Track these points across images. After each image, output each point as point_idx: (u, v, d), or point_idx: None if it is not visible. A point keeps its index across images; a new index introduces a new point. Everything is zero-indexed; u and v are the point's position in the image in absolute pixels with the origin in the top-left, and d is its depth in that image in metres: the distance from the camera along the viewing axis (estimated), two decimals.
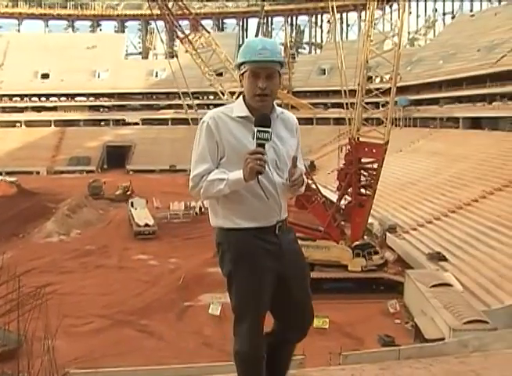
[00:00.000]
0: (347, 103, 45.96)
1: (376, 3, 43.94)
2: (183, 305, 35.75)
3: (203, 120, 3.26)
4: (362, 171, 43.64)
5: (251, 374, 3.45)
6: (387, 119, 42.82)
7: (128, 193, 69.19)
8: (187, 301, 36.41)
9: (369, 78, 46.24)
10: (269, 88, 3.16)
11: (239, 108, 3.24)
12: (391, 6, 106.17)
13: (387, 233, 47.67)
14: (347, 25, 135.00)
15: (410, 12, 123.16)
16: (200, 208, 60.03)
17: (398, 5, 45.46)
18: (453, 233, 43.01)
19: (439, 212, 48.17)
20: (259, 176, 3.03)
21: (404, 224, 49.08)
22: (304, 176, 3.36)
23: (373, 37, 44.37)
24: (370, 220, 46.29)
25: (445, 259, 39.20)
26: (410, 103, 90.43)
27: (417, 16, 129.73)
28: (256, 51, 3.13)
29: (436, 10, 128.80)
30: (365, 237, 44.52)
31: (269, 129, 3.06)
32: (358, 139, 43.06)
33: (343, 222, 44.85)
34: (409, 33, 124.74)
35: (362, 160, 43.40)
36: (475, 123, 73.89)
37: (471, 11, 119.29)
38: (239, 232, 3.22)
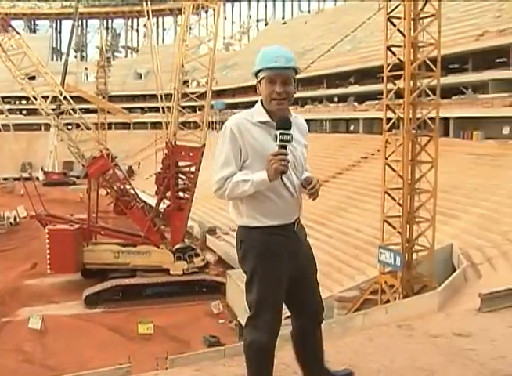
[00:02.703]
0: (163, 107, 45.89)
1: (191, 8, 44.18)
2: (0, 322, 33.95)
3: (225, 125, 3.40)
4: (180, 175, 43.79)
5: (263, 365, 3.55)
6: (203, 122, 43.35)
7: None
8: (4, 317, 34.59)
9: (186, 82, 46.36)
10: (285, 92, 3.36)
11: (259, 113, 3.42)
12: (206, 11, 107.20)
13: (207, 235, 48.25)
14: (164, 29, 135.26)
15: (225, 18, 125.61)
16: (15, 218, 57.41)
17: (214, 10, 45.94)
18: None
19: None
20: (282, 176, 3.21)
21: (223, 225, 49.78)
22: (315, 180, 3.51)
23: (189, 42, 44.62)
24: (190, 223, 46.59)
25: None
26: (226, 106, 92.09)
27: (232, 22, 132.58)
28: (272, 58, 3.35)
29: (250, 16, 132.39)
30: (186, 240, 44.73)
31: (290, 131, 3.25)
32: (175, 142, 43.18)
33: (163, 227, 44.82)
34: (224, 38, 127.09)
35: (180, 163, 43.55)
36: None
37: (283, 18, 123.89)
38: (264, 229, 3.35)
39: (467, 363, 4.15)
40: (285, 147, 3.22)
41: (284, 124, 3.27)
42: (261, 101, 3.47)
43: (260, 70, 3.44)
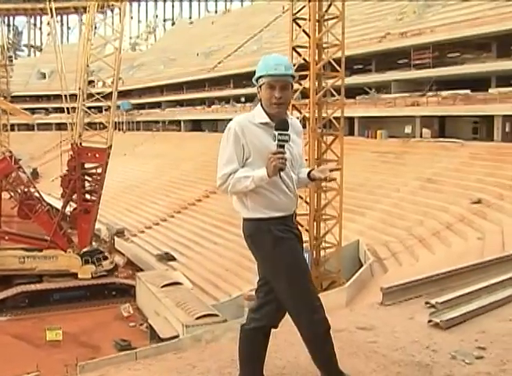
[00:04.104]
0: (68, 108, 45.05)
1: (96, 6, 43.52)
2: None
3: (229, 126, 3.70)
4: (86, 177, 43.18)
5: (326, 347, 3.66)
6: (109, 123, 42.80)
7: None
8: None
9: (91, 82, 45.62)
10: (284, 97, 3.61)
11: (259, 115, 3.67)
12: (112, 10, 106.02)
13: (116, 238, 47.64)
14: (68, 28, 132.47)
15: (132, 17, 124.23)
16: None
17: (119, 9, 45.42)
18: (180, 232, 44.14)
19: (165, 213, 49.16)
20: (281, 172, 3.48)
21: (132, 227, 49.33)
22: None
23: (94, 41, 43.99)
24: (97, 225, 45.91)
25: (173, 259, 40.11)
26: (133, 107, 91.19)
27: (138, 21, 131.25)
28: (272, 66, 3.62)
29: (157, 16, 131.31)
30: (94, 243, 44.06)
31: (288, 132, 3.51)
32: (80, 144, 42.48)
33: (70, 230, 44.04)
34: (130, 38, 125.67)
35: (86, 165, 42.92)
36: (196, 125, 76.64)
37: (190, 18, 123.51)
38: (268, 221, 3.61)
39: (370, 355, 4.28)
40: (283, 146, 3.47)
41: (282, 125, 3.53)
42: (261, 104, 3.71)
43: (260, 76, 3.68)
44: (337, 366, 3.69)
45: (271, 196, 3.60)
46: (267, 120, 3.62)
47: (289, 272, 3.60)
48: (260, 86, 3.70)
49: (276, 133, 3.48)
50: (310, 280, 3.69)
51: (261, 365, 3.73)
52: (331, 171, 3.70)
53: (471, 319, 5.03)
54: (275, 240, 3.60)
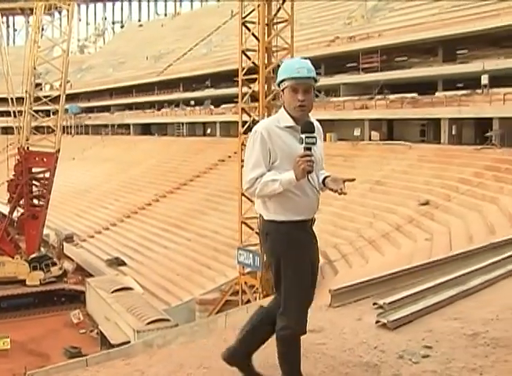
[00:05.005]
0: (15, 111, 44.39)
1: (43, 8, 42.97)
2: None
3: (255, 130, 3.68)
4: (34, 182, 42.65)
5: (294, 351, 3.73)
6: (57, 127, 42.32)
7: None
8: None
9: (38, 85, 45.09)
10: (307, 100, 3.64)
11: (284, 119, 3.69)
12: (60, 12, 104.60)
13: (65, 243, 46.97)
14: (15, 29, 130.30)
15: (80, 19, 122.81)
16: None
17: (67, 11, 44.93)
18: (130, 237, 43.77)
19: (115, 218, 48.68)
20: (308, 175, 3.53)
21: (81, 232, 48.70)
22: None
23: (42, 44, 43.45)
24: (46, 231, 45.27)
25: (123, 264, 39.75)
26: (81, 110, 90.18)
27: (87, 24, 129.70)
28: (294, 69, 3.63)
29: (105, 18, 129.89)
30: (42, 249, 43.43)
31: (315, 134, 3.57)
32: (27, 148, 41.92)
33: (17, 236, 43.37)
34: (78, 40, 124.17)
35: (33, 169, 42.34)
36: (145, 129, 76.17)
37: (140, 21, 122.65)
38: (289, 223, 3.65)
39: (318, 357, 4.32)
40: (310, 149, 3.52)
41: (308, 128, 3.58)
42: (284, 107, 3.74)
43: (283, 80, 3.69)
44: (300, 370, 3.76)
45: (296, 199, 3.65)
46: (292, 123, 3.66)
47: (296, 274, 3.67)
48: (283, 90, 3.71)
49: (303, 136, 3.51)
50: (312, 287, 3.77)
51: None
52: (345, 181, 3.75)
53: (418, 319, 5.11)
54: (292, 242, 3.65)
